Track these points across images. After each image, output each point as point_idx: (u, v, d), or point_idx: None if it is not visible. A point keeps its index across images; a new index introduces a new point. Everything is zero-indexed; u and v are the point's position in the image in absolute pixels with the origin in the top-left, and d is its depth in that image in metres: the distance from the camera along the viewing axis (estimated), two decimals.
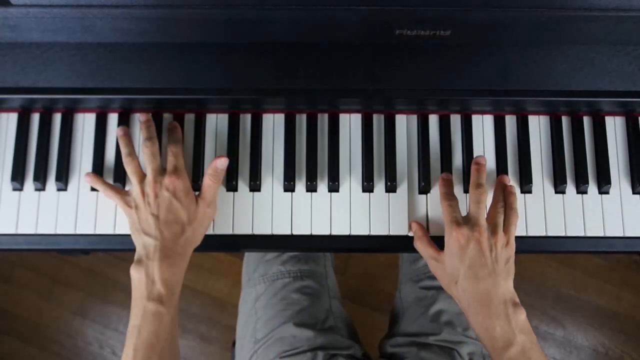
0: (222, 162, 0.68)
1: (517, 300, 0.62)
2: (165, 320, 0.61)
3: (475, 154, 0.71)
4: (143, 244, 0.63)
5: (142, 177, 0.66)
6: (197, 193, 0.67)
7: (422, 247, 0.68)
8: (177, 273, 0.63)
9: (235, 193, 0.71)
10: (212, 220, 0.69)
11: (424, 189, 0.71)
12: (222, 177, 0.69)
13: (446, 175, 0.70)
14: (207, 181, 0.67)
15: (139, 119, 0.70)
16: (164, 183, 0.64)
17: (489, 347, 0.61)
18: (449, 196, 0.67)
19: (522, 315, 0.61)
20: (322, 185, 0.71)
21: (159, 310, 0.60)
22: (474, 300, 0.61)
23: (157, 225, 0.63)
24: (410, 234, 0.70)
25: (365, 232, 0.70)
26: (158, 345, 0.60)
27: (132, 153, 0.68)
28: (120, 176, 0.70)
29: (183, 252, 0.64)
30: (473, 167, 0.69)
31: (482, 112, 0.73)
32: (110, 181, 0.70)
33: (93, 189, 0.70)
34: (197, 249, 0.69)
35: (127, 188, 0.70)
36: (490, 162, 0.72)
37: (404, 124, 0.73)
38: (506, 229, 0.65)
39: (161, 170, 0.66)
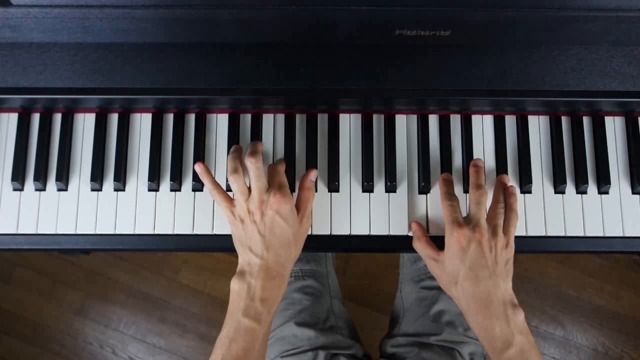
0: (315, 174, 0.69)
1: (516, 301, 0.62)
2: (257, 338, 0.60)
3: (475, 154, 0.72)
4: (248, 260, 0.63)
5: (248, 195, 0.64)
6: None
7: (422, 247, 0.68)
8: (276, 294, 0.63)
9: None
10: (308, 233, 0.69)
11: (424, 189, 0.71)
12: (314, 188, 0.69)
13: (447, 176, 0.70)
14: (307, 195, 0.67)
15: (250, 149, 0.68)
16: (270, 202, 0.63)
17: (487, 348, 0.61)
18: (449, 196, 0.67)
19: (520, 316, 0.61)
20: (322, 185, 0.71)
21: (254, 328, 0.60)
22: (474, 301, 0.62)
23: (264, 245, 0.62)
24: (410, 234, 0.70)
25: (365, 232, 0.70)
26: None
27: (239, 170, 0.65)
28: (120, 176, 0.70)
29: (285, 273, 0.64)
30: (471, 170, 0.69)
31: (482, 112, 0.73)
32: (110, 181, 0.70)
33: (93, 189, 0.70)
34: (197, 249, 0.69)
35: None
36: (490, 162, 0.72)
37: (404, 124, 0.73)
38: (506, 230, 0.65)
39: (267, 188, 0.64)
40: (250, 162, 0.65)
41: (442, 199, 0.68)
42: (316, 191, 0.71)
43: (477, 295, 0.61)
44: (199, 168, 0.67)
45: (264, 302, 0.61)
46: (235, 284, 0.62)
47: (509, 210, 0.66)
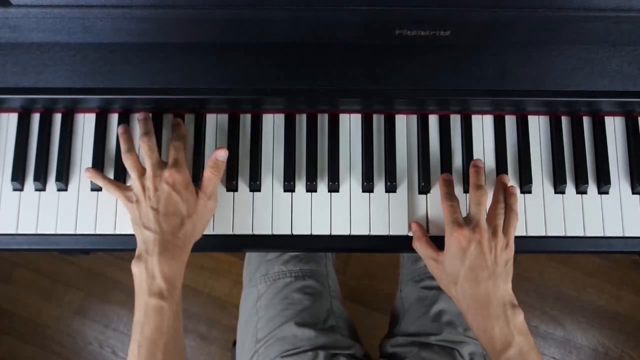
0: (222, 154, 0.67)
1: (516, 302, 0.62)
2: (167, 315, 0.60)
3: (475, 154, 0.72)
4: (143, 238, 0.63)
5: (141, 171, 0.66)
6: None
7: (421, 247, 0.68)
8: (177, 267, 0.63)
9: (235, 193, 0.71)
10: (213, 213, 0.69)
11: (424, 189, 0.71)
12: (223, 170, 0.68)
13: (447, 176, 0.70)
14: (208, 173, 0.67)
15: (137, 117, 0.70)
16: (164, 176, 0.64)
17: (487, 348, 0.61)
18: (449, 196, 0.67)
19: (520, 317, 0.61)
20: (322, 185, 0.71)
21: (161, 305, 0.60)
22: (473, 301, 0.62)
23: (156, 219, 0.63)
24: (410, 234, 0.70)
25: (365, 232, 0.70)
26: (161, 340, 0.59)
27: (131, 149, 0.68)
28: (120, 175, 0.70)
29: (183, 245, 0.64)
30: (471, 170, 0.69)
31: (482, 112, 0.73)
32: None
33: (93, 189, 0.70)
34: (197, 249, 0.69)
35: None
36: (490, 162, 0.72)
37: (404, 124, 0.73)
38: (506, 230, 0.65)
39: (161, 164, 0.66)
40: (142, 141, 0.67)
41: (442, 200, 0.68)
42: (315, 191, 0.71)
43: (476, 296, 0.61)
44: (88, 173, 0.69)
45: (165, 277, 0.61)
46: (135, 267, 0.62)
47: (509, 210, 0.66)
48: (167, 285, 0.61)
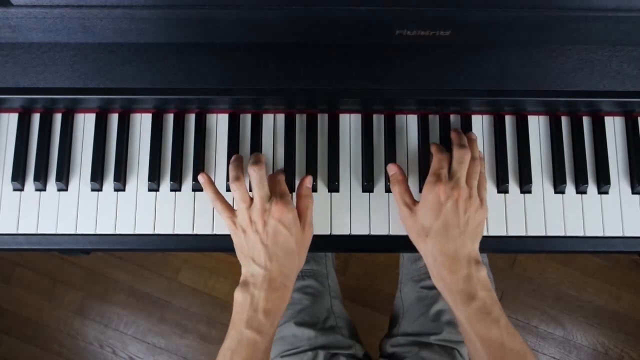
0: (310, 180, 0.68)
1: (480, 259, 0.63)
2: (259, 350, 0.60)
3: (477, 149, 0.71)
4: (251, 271, 0.62)
5: (250, 203, 0.64)
6: None
7: (400, 191, 0.67)
8: (280, 305, 0.63)
9: None
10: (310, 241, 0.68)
11: None
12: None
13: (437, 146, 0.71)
14: (306, 202, 0.66)
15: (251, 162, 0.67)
16: (272, 211, 0.62)
17: (451, 302, 0.62)
18: (440, 150, 0.68)
19: (483, 272, 0.62)
20: (322, 185, 0.71)
21: (256, 340, 0.60)
22: (441, 255, 0.62)
23: (266, 255, 0.62)
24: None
25: (365, 232, 0.70)
26: None
27: (241, 177, 0.65)
28: (120, 176, 0.70)
29: (289, 283, 0.63)
30: (453, 134, 0.70)
31: (482, 112, 0.73)
32: (111, 181, 0.70)
33: (93, 189, 0.70)
34: (197, 249, 0.69)
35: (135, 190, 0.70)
36: (490, 162, 0.72)
37: (404, 124, 0.73)
38: (478, 191, 0.66)
39: (269, 197, 0.64)
40: (253, 170, 0.64)
41: (434, 153, 0.68)
42: (315, 191, 0.71)
43: (444, 252, 0.62)
44: (202, 179, 0.67)
45: (267, 313, 0.60)
46: (238, 295, 0.62)
47: (481, 177, 0.68)
48: (267, 322, 0.61)
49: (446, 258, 0.62)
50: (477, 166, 0.67)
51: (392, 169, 0.69)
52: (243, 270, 0.64)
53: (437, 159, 0.67)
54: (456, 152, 0.67)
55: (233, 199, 0.67)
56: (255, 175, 0.64)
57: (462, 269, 0.61)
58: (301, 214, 0.65)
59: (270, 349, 0.63)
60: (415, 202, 0.66)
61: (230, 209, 0.65)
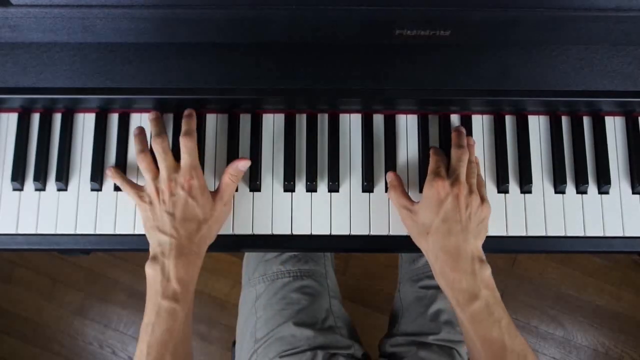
0: (244, 164, 0.68)
1: (484, 258, 0.63)
2: (180, 318, 0.61)
3: (475, 154, 0.72)
4: (158, 241, 0.63)
5: (155, 174, 0.65)
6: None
7: (397, 196, 0.68)
8: (192, 271, 0.63)
9: (236, 193, 0.71)
10: (227, 218, 0.69)
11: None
12: (241, 178, 0.69)
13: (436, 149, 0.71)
14: (227, 180, 0.67)
15: (148, 118, 0.70)
16: (179, 181, 0.64)
17: (453, 301, 0.62)
18: (437, 152, 0.69)
19: (487, 272, 0.62)
20: (322, 185, 0.71)
21: (174, 308, 0.60)
22: (443, 252, 0.62)
23: (172, 224, 0.63)
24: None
25: (365, 232, 0.70)
26: (171, 342, 0.60)
27: (145, 149, 0.67)
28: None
29: (198, 250, 0.64)
30: (453, 133, 0.70)
31: (482, 112, 0.73)
32: (110, 181, 0.70)
33: (93, 189, 0.70)
34: None
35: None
36: (490, 162, 0.72)
37: (404, 124, 0.73)
38: (478, 189, 0.66)
39: (175, 167, 0.65)
40: (156, 142, 0.66)
41: (431, 155, 0.69)
42: (315, 191, 0.71)
43: (446, 248, 0.62)
44: (109, 172, 0.69)
45: (180, 281, 0.61)
46: (149, 269, 0.62)
47: (477, 174, 0.68)
48: (182, 289, 0.61)
49: (448, 255, 0.62)
50: (475, 168, 0.68)
51: (389, 176, 0.70)
52: (151, 243, 0.64)
53: (434, 160, 0.67)
54: (454, 152, 0.67)
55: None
56: (158, 147, 0.66)
57: (465, 266, 0.61)
58: (219, 190, 0.67)
59: (190, 316, 0.64)
60: (413, 203, 0.67)
61: (136, 186, 0.67)
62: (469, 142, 0.70)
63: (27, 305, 1.57)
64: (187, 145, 0.66)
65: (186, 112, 0.69)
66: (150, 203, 0.64)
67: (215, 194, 0.67)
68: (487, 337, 0.59)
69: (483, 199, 0.66)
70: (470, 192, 0.64)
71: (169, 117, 0.72)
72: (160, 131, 0.68)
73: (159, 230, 0.63)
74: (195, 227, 0.64)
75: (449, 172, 0.66)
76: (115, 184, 0.70)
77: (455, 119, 0.73)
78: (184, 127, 0.68)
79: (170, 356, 0.59)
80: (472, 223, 0.63)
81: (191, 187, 0.64)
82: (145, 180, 0.66)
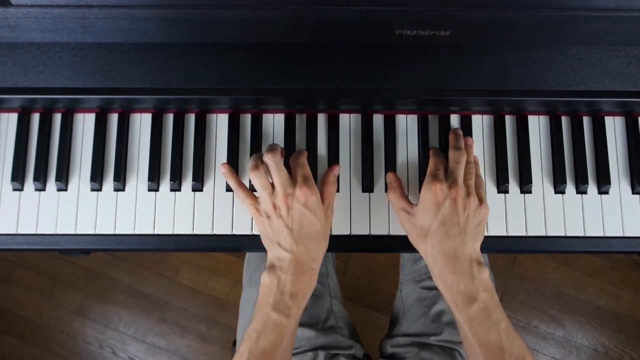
0: (338, 169, 0.69)
1: (482, 260, 0.63)
2: (285, 333, 0.60)
3: (474, 154, 0.72)
4: (278, 256, 0.63)
5: (271, 190, 0.64)
6: None
7: (395, 198, 0.68)
8: (307, 288, 0.63)
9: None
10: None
11: None
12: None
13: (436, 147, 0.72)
14: (331, 189, 0.67)
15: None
16: (296, 195, 0.63)
17: (451, 304, 0.62)
18: (436, 154, 0.69)
19: (485, 274, 0.62)
20: None
21: (282, 322, 0.60)
22: (441, 255, 0.62)
23: (292, 239, 0.62)
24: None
25: (365, 232, 0.70)
26: (272, 355, 0.59)
27: (259, 165, 0.65)
28: (119, 176, 0.70)
29: (315, 266, 0.64)
30: (451, 135, 0.70)
31: (482, 112, 0.73)
32: (110, 181, 0.70)
33: (93, 189, 0.70)
34: (197, 250, 0.69)
35: (120, 189, 0.70)
36: (490, 162, 0.72)
37: (404, 124, 0.73)
38: (476, 191, 0.66)
39: (290, 182, 0.64)
40: (268, 158, 0.64)
41: (431, 156, 0.68)
42: None
43: (445, 251, 0.62)
44: (223, 168, 0.67)
45: (293, 296, 0.61)
46: (265, 278, 0.62)
47: (476, 175, 0.68)
48: (293, 305, 0.61)
49: (446, 258, 0.62)
50: (473, 168, 0.68)
51: (388, 177, 0.70)
52: (269, 255, 0.64)
53: (433, 162, 0.67)
54: (452, 154, 0.67)
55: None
56: (271, 162, 0.64)
57: (463, 269, 0.61)
58: (324, 199, 0.66)
59: (295, 332, 0.63)
60: (412, 205, 0.67)
61: (252, 196, 0.66)
62: (467, 142, 0.70)
63: (27, 305, 1.57)
64: (299, 161, 0.66)
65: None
66: (268, 217, 0.63)
67: (323, 205, 0.65)
68: (485, 340, 0.59)
69: (481, 201, 0.66)
70: (468, 194, 0.64)
71: (169, 117, 0.72)
72: (273, 146, 0.66)
73: (279, 246, 0.63)
74: (315, 242, 0.63)
75: (447, 175, 0.66)
76: (115, 184, 0.70)
77: (455, 119, 0.73)
78: (297, 150, 0.69)
79: None
80: (470, 225, 0.63)
81: (307, 201, 0.63)
82: (261, 197, 0.64)
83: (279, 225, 0.63)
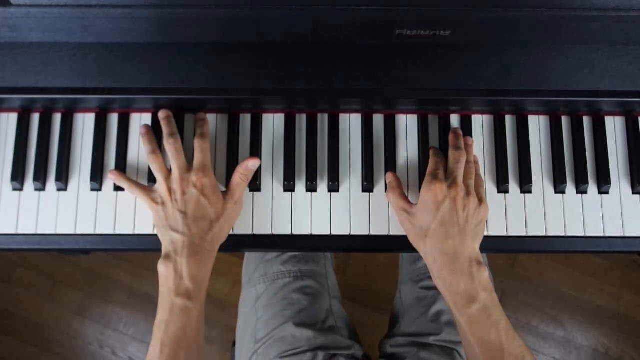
0: (254, 163, 0.69)
1: (482, 260, 0.63)
2: (193, 316, 0.61)
3: (475, 154, 0.72)
4: (171, 240, 0.63)
5: (167, 174, 0.66)
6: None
7: (395, 198, 0.68)
8: (204, 269, 0.64)
9: None
10: (238, 217, 0.69)
11: None
12: (251, 177, 0.69)
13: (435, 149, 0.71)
14: (237, 179, 0.67)
15: (159, 116, 0.70)
16: (191, 180, 0.64)
17: (451, 304, 0.62)
18: (436, 154, 0.69)
19: (485, 274, 0.62)
20: (322, 185, 0.71)
21: (187, 306, 0.61)
22: (441, 255, 0.62)
23: (185, 222, 0.63)
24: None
25: (365, 232, 0.70)
26: (185, 340, 0.60)
27: (156, 150, 0.67)
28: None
29: (210, 248, 0.65)
30: (451, 135, 0.70)
31: (482, 112, 0.73)
32: (110, 181, 0.70)
33: (93, 189, 0.70)
34: None
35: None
36: (490, 162, 0.72)
37: (404, 124, 0.73)
38: (476, 191, 0.66)
39: (187, 167, 0.66)
40: (168, 143, 0.66)
41: (431, 156, 0.69)
42: (315, 191, 0.71)
43: (444, 251, 0.62)
44: (113, 175, 0.69)
45: (193, 278, 0.61)
46: (161, 267, 0.62)
47: (476, 175, 0.68)
48: (195, 287, 0.61)
49: (446, 258, 0.62)
50: (473, 168, 0.68)
51: (388, 177, 0.70)
52: (164, 243, 0.64)
53: (432, 162, 0.67)
54: (452, 154, 0.68)
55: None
56: (171, 148, 0.66)
57: (463, 269, 0.61)
58: (229, 189, 0.67)
59: (203, 314, 0.64)
60: (412, 205, 0.67)
61: (146, 188, 0.67)
62: (467, 142, 0.70)
63: (27, 305, 1.57)
64: (202, 146, 0.67)
65: (197, 115, 0.71)
66: (163, 203, 0.65)
67: (225, 193, 0.67)
68: (485, 340, 0.59)
69: (481, 200, 0.66)
70: (468, 194, 0.64)
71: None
72: (173, 131, 0.68)
73: (172, 229, 0.63)
74: (207, 225, 0.64)
75: (447, 175, 0.66)
76: (115, 184, 0.70)
77: (455, 119, 0.73)
78: (198, 130, 0.69)
79: (184, 353, 0.59)
80: (470, 225, 0.63)
81: (203, 186, 0.64)
82: (158, 181, 0.66)
83: (173, 210, 0.64)
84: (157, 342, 0.60)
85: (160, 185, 0.66)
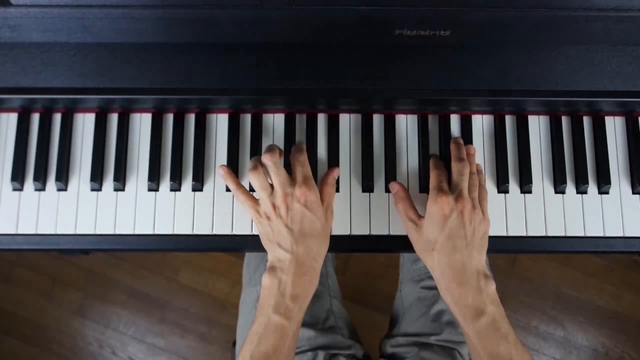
0: (337, 172, 0.69)
1: (489, 273, 0.63)
2: (287, 335, 0.60)
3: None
4: (278, 257, 0.62)
5: (270, 190, 0.63)
6: None
7: (405, 208, 0.67)
8: (309, 290, 0.63)
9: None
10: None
11: (424, 188, 0.71)
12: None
13: (436, 156, 0.71)
14: (330, 190, 0.66)
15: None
16: (295, 195, 0.62)
17: (459, 317, 0.62)
18: (437, 166, 0.68)
19: (492, 287, 0.62)
20: None
21: (283, 325, 0.60)
22: (449, 268, 0.62)
23: (292, 239, 0.62)
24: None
25: (365, 232, 0.70)
26: (274, 358, 0.59)
27: (258, 167, 0.64)
28: (119, 176, 0.70)
29: (317, 266, 0.63)
30: (452, 145, 0.70)
31: (482, 112, 0.73)
32: (110, 181, 0.70)
33: (93, 189, 0.70)
34: (197, 250, 0.69)
35: (126, 188, 0.70)
36: (490, 162, 0.72)
37: (404, 124, 0.73)
38: (480, 203, 0.66)
39: (290, 181, 0.63)
40: (266, 158, 0.64)
41: (431, 169, 0.68)
42: None
43: (452, 264, 0.62)
44: (222, 170, 0.67)
45: (294, 298, 0.60)
46: (266, 280, 0.62)
47: (481, 187, 0.68)
48: (295, 306, 0.61)
49: (454, 271, 0.61)
50: (476, 179, 0.67)
51: (394, 187, 0.69)
52: (270, 256, 0.63)
53: (435, 174, 0.67)
54: (455, 166, 0.67)
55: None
56: (269, 163, 0.64)
57: (470, 282, 0.61)
58: (323, 200, 0.65)
59: (297, 334, 0.63)
60: (420, 217, 0.66)
61: (252, 198, 0.65)
62: (469, 151, 0.69)
63: (27, 305, 1.57)
64: (299, 159, 0.65)
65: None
66: (268, 218, 0.63)
67: (323, 206, 0.65)
68: (495, 353, 0.58)
69: (484, 213, 0.65)
70: (474, 206, 0.64)
71: (169, 117, 0.72)
72: (271, 147, 0.66)
73: (279, 246, 0.62)
74: (315, 241, 0.63)
75: (452, 187, 0.65)
76: (115, 184, 0.70)
77: (455, 119, 0.73)
78: (296, 145, 0.69)
79: None
80: (476, 238, 0.63)
81: (307, 201, 0.62)
82: (260, 197, 0.64)
83: (279, 226, 0.62)
84: (247, 354, 0.59)
85: (264, 203, 0.63)
